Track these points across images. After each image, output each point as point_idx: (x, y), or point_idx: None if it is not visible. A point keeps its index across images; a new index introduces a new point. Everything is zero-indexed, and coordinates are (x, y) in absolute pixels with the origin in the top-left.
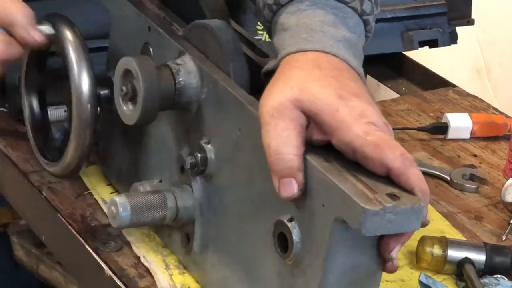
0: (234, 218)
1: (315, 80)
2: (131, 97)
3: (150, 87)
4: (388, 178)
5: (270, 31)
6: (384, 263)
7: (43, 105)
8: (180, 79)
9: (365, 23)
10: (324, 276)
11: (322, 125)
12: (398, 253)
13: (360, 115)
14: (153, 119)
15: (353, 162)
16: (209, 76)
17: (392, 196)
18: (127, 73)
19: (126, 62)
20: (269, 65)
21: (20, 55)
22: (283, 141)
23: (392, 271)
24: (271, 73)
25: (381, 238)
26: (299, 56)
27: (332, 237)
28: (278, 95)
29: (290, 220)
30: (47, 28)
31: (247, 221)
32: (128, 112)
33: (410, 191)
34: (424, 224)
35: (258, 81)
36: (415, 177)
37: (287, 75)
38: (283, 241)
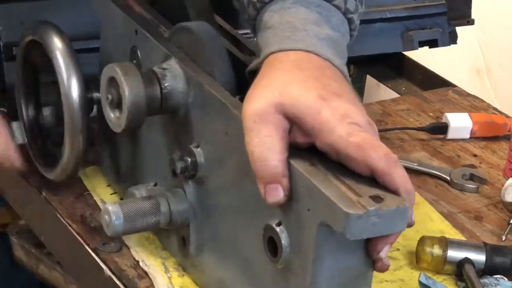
0: (227, 221)
1: (296, 82)
2: (117, 105)
3: (135, 94)
4: (373, 179)
5: (254, 29)
6: (373, 263)
7: (39, 111)
8: (166, 84)
9: (349, 21)
10: (313, 279)
11: (305, 128)
12: (387, 253)
13: (343, 116)
14: (140, 125)
15: (338, 163)
16: (194, 79)
17: (376, 198)
18: (112, 80)
19: (110, 70)
20: (253, 64)
21: None
22: (266, 147)
23: (383, 270)
24: (255, 72)
25: (368, 239)
26: (282, 56)
27: (318, 241)
28: (260, 100)
29: (279, 224)
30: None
31: (239, 225)
32: (115, 119)
33: (394, 192)
34: (409, 225)
35: (245, 80)
36: (399, 177)
37: (268, 78)
38: (272, 245)
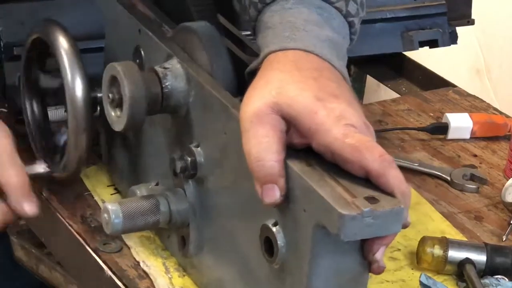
0: (226, 221)
1: (293, 82)
2: (118, 104)
3: (136, 93)
4: (368, 180)
5: (255, 30)
6: (369, 265)
7: (44, 109)
8: (167, 83)
9: (350, 25)
10: (309, 280)
11: (301, 128)
12: (383, 254)
13: (339, 117)
14: (141, 124)
15: (334, 164)
16: (195, 79)
17: (371, 200)
18: (113, 79)
19: (111, 69)
20: (252, 64)
21: (14, 221)
22: (263, 147)
23: (378, 272)
24: (254, 72)
25: (364, 240)
26: (280, 56)
27: (314, 242)
28: (257, 100)
29: (275, 224)
30: (41, 167)
31: (237, 224)
32: (115, 118)
33: (390, 193)
34: (404, 226)
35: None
36: (394, 178)
37: (266, 78)
38: (269, 245)
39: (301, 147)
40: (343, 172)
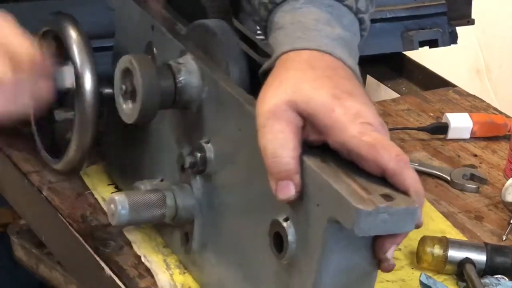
0: (233, 217)
1: (309, 81)
2: (131, 96)
3: (149, 85)
4: (383, 178)
5: (265, 30)
6: (379, 263)
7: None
8: (180, 78)
9: (360, 21)
10: (318, 276)
11: (317, 125)
12: (393, 253)
13: (356, 115)
14: (153, 118)
15: (349, 162)
16: (209, 75)
17: (386, 197)
18: (127, 71)
19: (126, 60)
20: (265, 65)
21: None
22: (279, 143)
23: (388, 270)
24: (267, 72)
25: (375, 238)
26: (294, 56)
27: (326, 237)
28: (273, 98)
29: (286, 219)
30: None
31: (245, 220)
32: (127, 110)
33: (404, 192)
34: (417, 226)
35: (259, 81)
36: (410, 178)
37: (281, 77)
38: (278, 241)
39: (317, 144)
40: (359, 169)
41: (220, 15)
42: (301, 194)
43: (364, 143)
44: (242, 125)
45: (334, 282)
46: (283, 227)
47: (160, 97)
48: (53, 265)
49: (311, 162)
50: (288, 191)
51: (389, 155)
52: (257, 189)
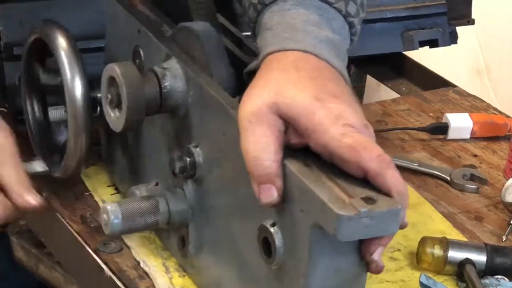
0: (225, 221)
1: (292, 83)
2: (117, 104)
3: (134, 93)
4: (366, 180)
5: (254, 31)
6: (367, 265)
7: (45, 108)
8: (165, 84)
9: (350, 25)
10: (307, 280)
11: (299, 128)
12: (381, 255)
13: (337, 117)
14: (139, 125)
15: (332, 164)
16: (194, 79)
17: (368, 200)
18: (112, 80)
19: (110, 70)
20: (251, 65)
21: (16, 216)
22: (261, 147)
23: (377, 272)
24: (253, 72)
25: (361, 241)
26: (280, 56)
27: (311, 243)
28: (256, 100)
29: (273, 225)
30: (39, 166)
31: (235, 225)
32: (114, 118)
33: (387, 193)
34: (402, 226)
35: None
36: (392, 178)
37: (265, 78)
38: (267, 245)
39: (299, 147)
40: (341, 172)
41: (204, 16)
42: (285, 199)
43: (344, 145)
44: (226, 128)
45: (323, 286)
46: (271, 232)
47: (145, 104)
48: (53, 265)
49: (293, 167)
50: (270, 194)
51: (370, 156)
52: (244, 194)
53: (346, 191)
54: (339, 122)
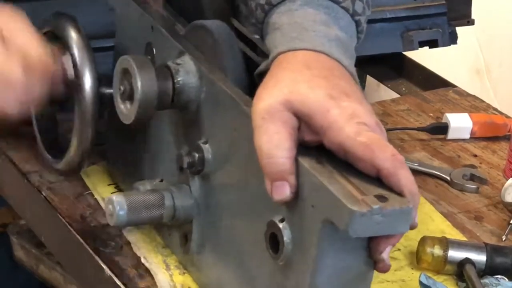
0: (230, 218)
1: (304, 81)
2: (129, 96)
3: (147, 86)
4: (379, 179)
5: (261, 32)
6: (375, 263)
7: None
8: (179, 79)
9: (357, 23)
10: (313, 277)
11: (313, 126)
12: (389, 254)
13: (351, 116)
14: (150, 118)
15: (345, 162)
16: (207, 76)
17: (381, 198)
18: (125, 72)
19: (124, 61)
20: (262, 66)
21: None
22: (275, 144)
23: (384, 271)
24: (264, 73)
25: (371, 239)
26: (290, 56)
27: (321, 238)
28: (269, 98)
29: (282, 220)
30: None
31: (241, 222)
32: (125, 111)
33: (399, 193)
34: (412, 227)
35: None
36: (405, 178)
37: (277, 77)
38: (274, 241)
39: (312, 144)
40: (354, 170)
41: (219, 15)
42: (297, 195)
43: (359, 143)
44: (238, 125)
45: (330, 283)
46: (279, 228)
47: (158, 98)
48: (53, 265)
49: (307, 163)
50: (283, 191)
51: (384, 155)
52: (254, 190)
53: (359, 188)
54: (353, 121)
